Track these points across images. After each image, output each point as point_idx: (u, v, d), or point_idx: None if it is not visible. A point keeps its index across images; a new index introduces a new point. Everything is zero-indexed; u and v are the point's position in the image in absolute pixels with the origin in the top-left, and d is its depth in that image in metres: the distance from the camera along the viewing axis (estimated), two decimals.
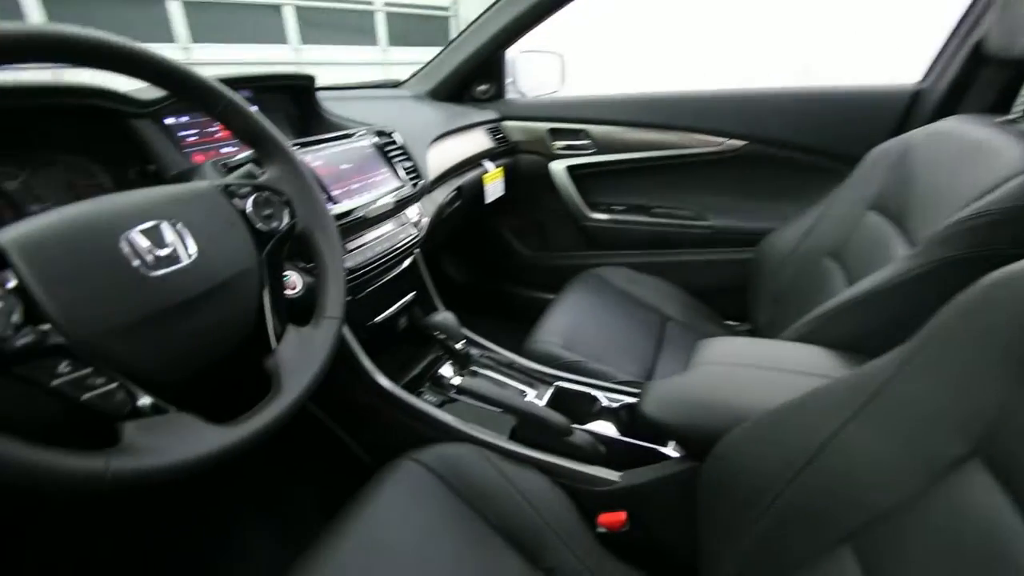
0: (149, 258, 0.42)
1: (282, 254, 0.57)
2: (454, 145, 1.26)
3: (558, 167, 1.48)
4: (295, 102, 1.02)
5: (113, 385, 0.39)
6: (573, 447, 0.77)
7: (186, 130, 0.79)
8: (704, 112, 1.33)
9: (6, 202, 0.58)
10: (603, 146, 1.44)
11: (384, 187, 0.92)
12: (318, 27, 5.53)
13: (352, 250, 0.85)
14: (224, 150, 0.83)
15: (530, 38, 1.38)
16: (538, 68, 1.51)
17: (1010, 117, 0.78)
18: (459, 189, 1.23)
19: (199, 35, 4.68)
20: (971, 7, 1.04)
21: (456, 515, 0.65)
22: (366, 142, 0.96)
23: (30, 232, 0.37)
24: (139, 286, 0.41)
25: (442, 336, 0.96)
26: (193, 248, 0.46)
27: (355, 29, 5.99)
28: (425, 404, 0.84)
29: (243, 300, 0.50)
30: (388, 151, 0.98)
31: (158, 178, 0.68)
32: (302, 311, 0.59)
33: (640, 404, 0.68)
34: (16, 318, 0.34)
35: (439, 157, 1.17)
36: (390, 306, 1.00)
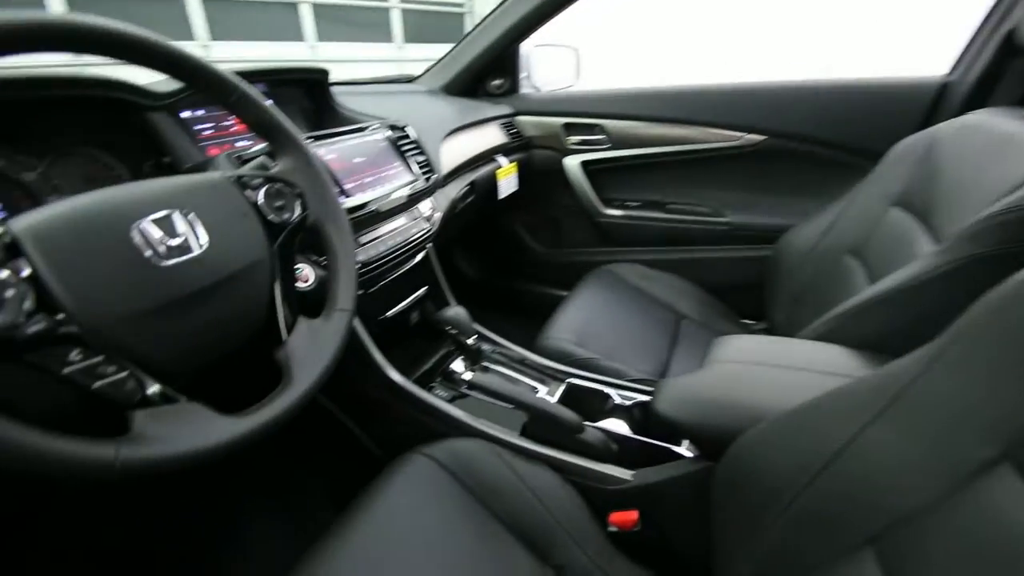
0: (161, 248, 0.43)
1: (294, 246, 0.57)
2: (468, 140, 1.26)
3: (572, 162, 1.46)
4: (309, 96, 1.02)
5: (124, 374, 0.39)
6: (585, 445, 0.76)
7: (202, 123, 0.79)
8: (722, 106, 1.30)
9: (24, 193, 0.59)
10: (618, 141, 1.42)
11: (397, 181, 0.92)
12: (334, 23, 5.57)
13: (365, 244, 0.85)
14: (239, 144, 0.83)
15: (545, 32, 1.37)
16: (553, 62, 1.50)
17: None
18: (472, 184, 1.22)
19: (218, 33, 4.74)
20: None
21: (466, 510, 0.65)
22: (379, 136, 0.95)
23: (43, 220, 0.38)
24: (150, 275, 0.41)
25: (454, 331, 0.95)
26: (204, 238, 0.46)
27: (371, 25, 6.01)
28: (436, 399, 0.84)
29: (254, 291, 0.50)
30: (401, 145, 0.98)
31: (173, 170, 0.69)
32: (314, 304, 0.59)
33: (654, 402, 0.67)
34: (28, 305, 0.34)
35: (452, 152, 1.16)
36: (402, 300, 1.00)
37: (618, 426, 0.82)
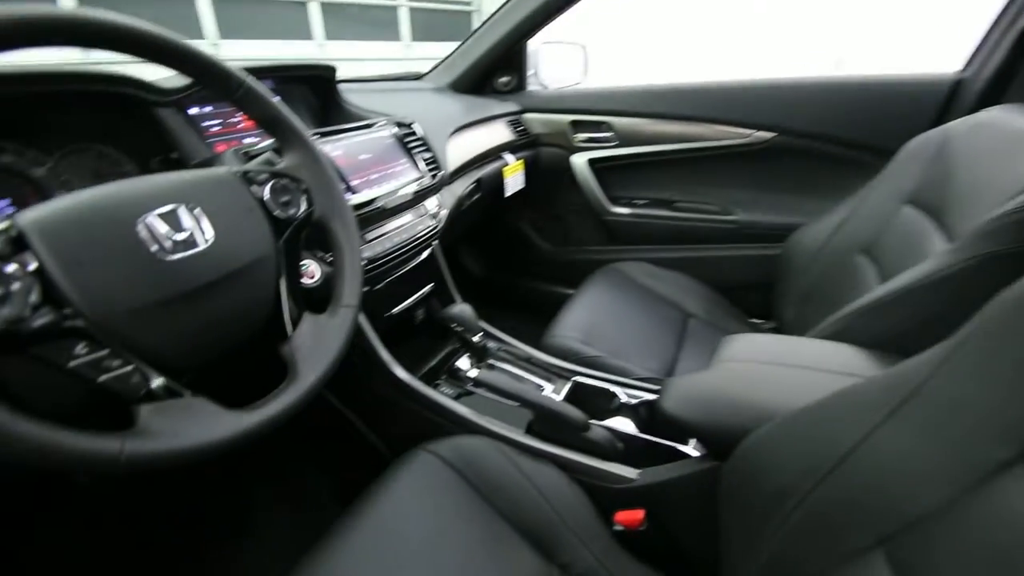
0: (166, 242, 0.43)
1: (299, 242, 0.57)
2: (474, 137, 1.25)
3: (579, 160, 1.46)
4: (316, 93, 1.02)
5: (129, 368, 0.39)
6: (590, 443, 0.76)
7: (209, 120, 0.79)
8: (732, 103, 1.29)
9: (34, 188, 0.59)
10: (626, 139, 1.41)
11: (403, 178, 0.92)
12: (343, 21, 5.58)
13: (370, 240, 0.85)
14: (247, 140, 0.83)
15: (553, 29, 1.36)
16: (560, 59, 1.49)
17: None
18: (479, 181, 1.22)
19: (227, 31, 4.77)
20: None
21: (470, 507, 0.64)
22: (386, 132, 0.95)
23: (49, 214, 0.38)
24: (156, 269, 0.41)
25: (459, 328, 0.95)
26: (210, 233, 0.46)
27: (379, 24, 6.02)
28: (441, 396, 0.84)
29: (260, 287, 0.50)
30: (408, 142, 0.98)
31: (181, 166, 0.69)
32: (320, 300, 0.59)
33: (660, 401, 0.67)
34: (34, 298, 0.35)
35: (459, 149, 1.16)
36: (408, 298, 1.00)
37: (624, 425, 0.81)
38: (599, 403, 0.86)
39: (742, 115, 1.28)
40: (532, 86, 1.55)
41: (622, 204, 1.48)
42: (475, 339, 0.96)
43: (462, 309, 0.96)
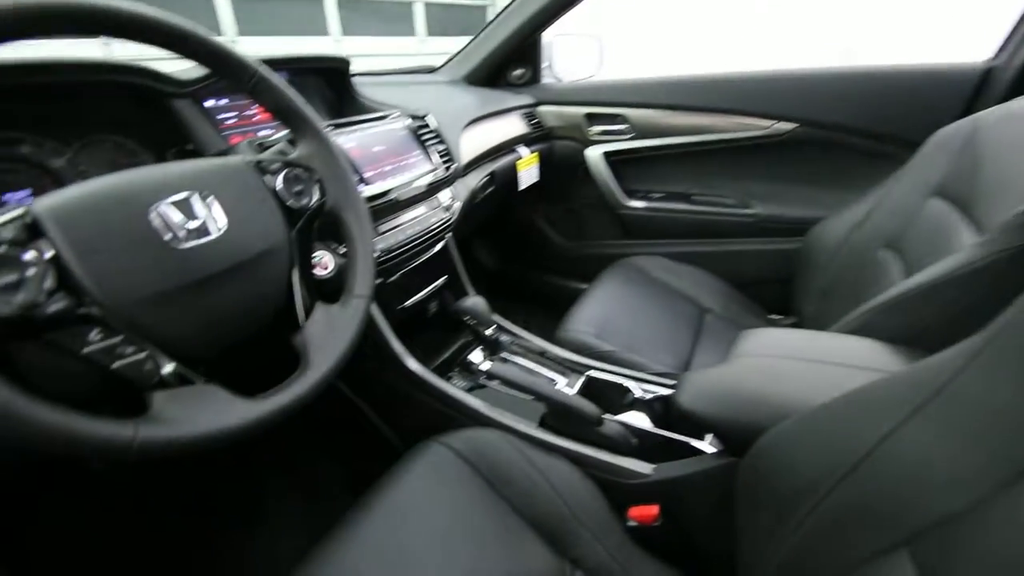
0: (179, 230, 0.43)
1: (312, 232, 0.57)
2: (488, 130, 1.25)
3: (594, 153, 1.44)
4: (331, 86, 1.03)
5: (142, 355, 0.39)
6: (604, 437, 0.75)
7: (225, 112, 0.80)
8: (751, 94, 1.26)
9: (52, 179, 0.60)
10: (641, 131, 1.39)
11: (417, 170, 0.92)
12: (358, 17, 5.60)
13: (384, 232, 0.85)
14: (262, 133, 0.83)
15: (567, 20, 1.35)
16: (575, 51, 1.47)
17: None
18: (492, 174, 1.21)
19: (245, 28, 4.82)
20: None
21: (482, 500, 0.64)
22: (399, 124, 0.95)
23: (63, 201, 0.38)
24: (168, 257, 0.41)
25: (472, 321, 0.95)
26: (223, 222, 0.46)
27: (395, 19, 6.04)
28: (454, 389, 0.84)
29: (272, 276, 0.50)
30: (421, 134, 0.97)
31: (196, 158, 0.69)
32: (333, 291, 0.59)
33: (676, 395, 0.65)
34: (49, 284, 0.35)
35: (473, 142, 1.15)
36: (421, 290, 1.00)
37: (638, 419, 0.80)
38: (613, 397, 0.85)
39: (762, 106, 1.25)
40: (546, 79, 1.53)
41: (637, 197, 1.46)
42: (488, 332, 0.95)
43: (475, 302, 0.95)
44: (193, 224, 0.44)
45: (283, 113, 0.56)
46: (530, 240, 1.69)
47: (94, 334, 0.37)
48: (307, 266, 0.57)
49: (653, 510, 0.68)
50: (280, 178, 0.53)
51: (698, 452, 0.72)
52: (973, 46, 1.09)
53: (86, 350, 0.37)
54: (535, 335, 1.01)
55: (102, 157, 0.65)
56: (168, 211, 0.43)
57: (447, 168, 0.98)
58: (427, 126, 1.00)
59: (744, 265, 1.34)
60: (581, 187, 1.50)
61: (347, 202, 0.58)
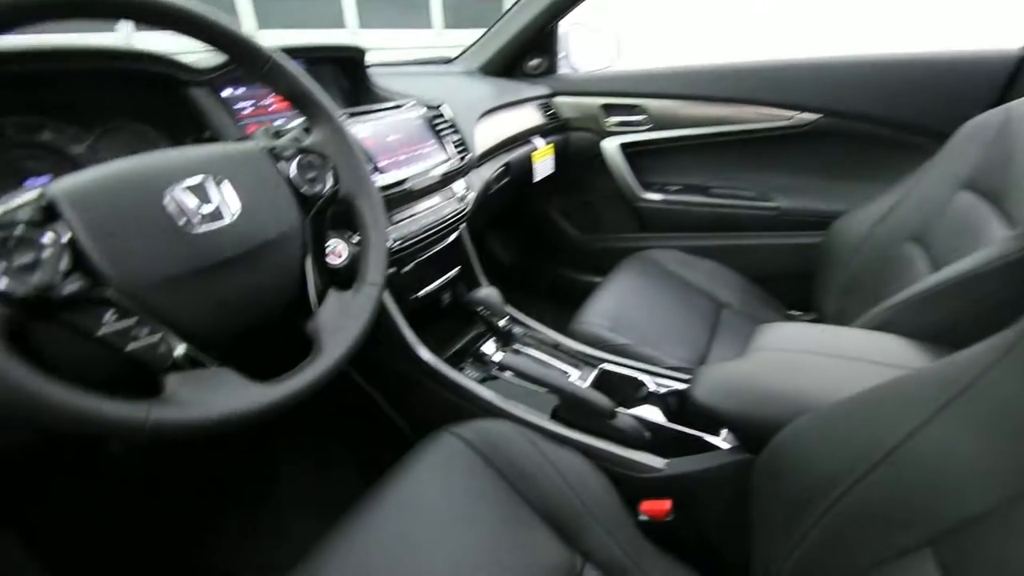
0: (193, 215, 0.43)
1: (325, 219, 0.57)
2: (503, 120, 1.24)
3: (610, 145, 1.42)
4: (347, 76, 1.03)
5: (156, 338, 0.40)
6: (616, 431, 0.74)
7: (242, 102, 0.80)
8: (773, 83, 1.23)
9: (72, 165, 0.61)
10: (659, 122, 1.37)
11: (431, 160, 0.91)
12: (375, 7, 5.62)
13: (398, 222, 0.85)
14: (278, 122, 0.84)
15: (584, 10, 1.33)
16: (592, 41, 1.46)
17: None
18: (507, 165, 1.20)
19: (264, 22, 4.86)
20: None
21: (493, 491, 0.64)
22: (414, 114, 0.95)
23: (78, 184, 0.38)
24: (182, 241, 0.42)
25: (485, 312, 0.94)
26: (237, 207, 0.46)
27: (411, 10, 6.04)
28: (466, 379, 0.83)
29: (285, 262, 0.50)
30: (436, 124, 0.97)
31: None
32: (347, 280, 0.59)
33: (691, 389, 0.64)
34: (64, 266, 0.35)
35: (488, 132, 1.15)
36: (434, 280, 1.00)
37: (652, 414, 0.79)
38: (626, 391, 0.84)
39: (785, 95, 1.22)
40: (563, 69, 1.51)
41: (654, 190, 1.44)
42: (501, 323, 0.95)
43: (488, 293, 0.95)
44: (207, 209, 0.44)
45: (297, 99, 0.56)
46: (544, 233, 1.68)
47: (109, 316, 0.37)
48: (320, 253, 0.57)
49: (665, 505, 0.67)
50: (294, 165, 0.53)
51: (712, 447, 0.71)
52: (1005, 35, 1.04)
53: (100, 332, 0.37)
54: (548, 328, 1.01)
55: (121, 145, 0.66)
56: (182, 195, 0.43)
57: (462, 158, 0.97)
58: (442, 116, 0.99)
59: (763, 260, 1.31)
60: (597, 179, 1.48)
61: (360, 189, 0.58)
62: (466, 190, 1.01)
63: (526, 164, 1.31)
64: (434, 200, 0.93)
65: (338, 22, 5.53)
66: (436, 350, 0.87)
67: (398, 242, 0.83)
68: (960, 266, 0.62)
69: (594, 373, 0.89)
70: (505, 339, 0.97)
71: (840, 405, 0.47)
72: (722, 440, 0.72)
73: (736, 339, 1.00)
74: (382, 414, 0.95)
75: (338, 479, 1.04)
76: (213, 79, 0.72)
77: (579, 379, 0.89)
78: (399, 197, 0.83)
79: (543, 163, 1.36)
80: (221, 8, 0.48)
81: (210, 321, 0.44)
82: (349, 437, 1.08)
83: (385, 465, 0.65)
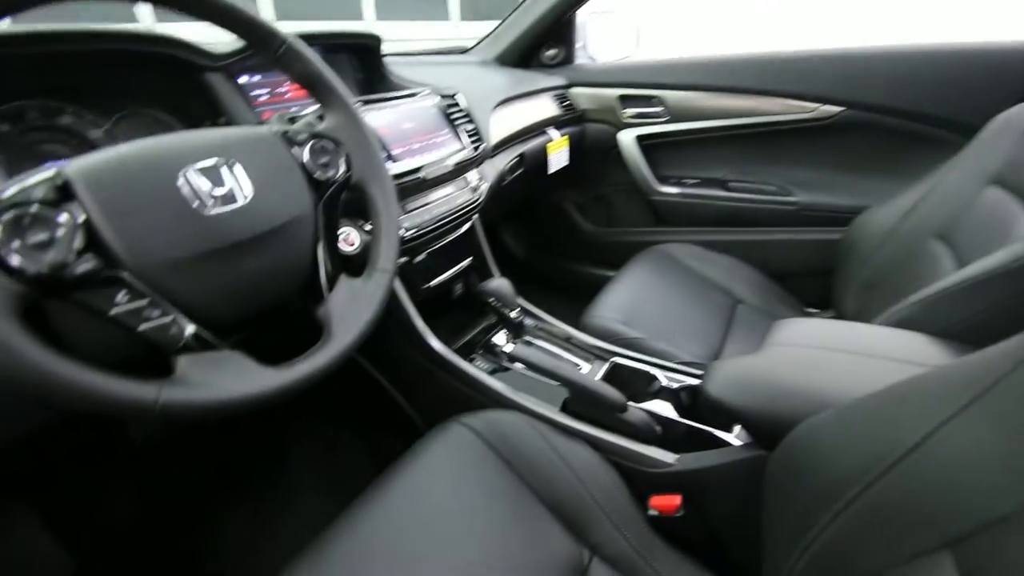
0: (206, 197, 0.43)
1: (338, 204, 0.56)
2: (518, 111, 1.23)
3: (627, 136, 1.40)
4: (362, 65, 1.02)
5: (168, 319, 0.40)
6: (627, 424, 0.73)
7: (258, 89, 0.80)
8: (795, 75, 1.20)
9: (91, 149, 0.61)
10: (677, 114, 1.35)
11: (445, 149, 0.91)
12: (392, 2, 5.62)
13: (410, 211, 0.85)
14: (293, 110, 0.84)
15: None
16: (610, 31, 1.43)
17: None
18: (521, 156, 1.19)
19: (282, 13, 4.90)
20: None
21: (502, 482, 0.64)
22: (429, 103, 0.94)
23: (93, 164, 0.38)
24: (195, 223, 0.42)
25: (496, 303, 0.94)
26: (249, 190, 0.46)
27: (428, 1, 6.03)
28: (476, 370, 0.83)
29: (296, 246, 0.50)
30: (451, 113, 0.96)
31: None
32: (359, 267, 0.59)
33: (704, 384, 0.63)
34: (78, 244, 0.35)
35: (502, 122, 1.14)
36: (446, 271, 1.00)
37: (664, 408, 0.78)
38: (638, 385, 0.84)
39: (807, 87, 1.19)
40: (580, 59, 1.50)
41: (671, 183, 1.41)
42: (512, 314, 0.94)
43: (500, 283, 0.94)
44: (220, 191, 0.44)
45: (311, 84, 0.56)
46: (558, 226, 1.67)
47: (121, 296, 0.37)
48: (332, 239, 0.57)
49: (675, 500, 0.66)
50: (307, 149, 0.53)
51: (724, 443, 0.70)
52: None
53: (113, 312, 0.37)
54: (560, 321, 1.00)
55: (138, 130, 0.66)
56: (196, 177, 0.43)
57: (476, 148, 0.97)
58: (457, 105, 0.98)
59: (782, 255, 1.28)
60: (612, 172, 1.47)
61: (373, 175, 0.58)
62: (479, 180, 1.00)
63: (540, 155, 1.30)
64: (447, 190, 0.93)
65: (356, 14, 5.55)
66: (447, 340, 0.87)
67: (411, 231, 0.83)
68: (986, 263, 0.60)
69: (605, 366, 0.88)
70: (516, 330, 0.97)
71: (858, 402, 0.45)
72: (734, 437, 0.70)
73: (751, 335, 0.98)
74: (392, 402, 0.95)
75: (347, 464, 1.05)
76: (229, 64, 0.72)
77: (590, 372, 0.88)
78: (412, 186, 0.83)
79: (558, 155, 1.35)
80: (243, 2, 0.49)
81: (221, 303, 0.44)
82: (359, 423, 1.09)
83: (394, 452, 0.65)
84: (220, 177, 0.44)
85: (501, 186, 1.11)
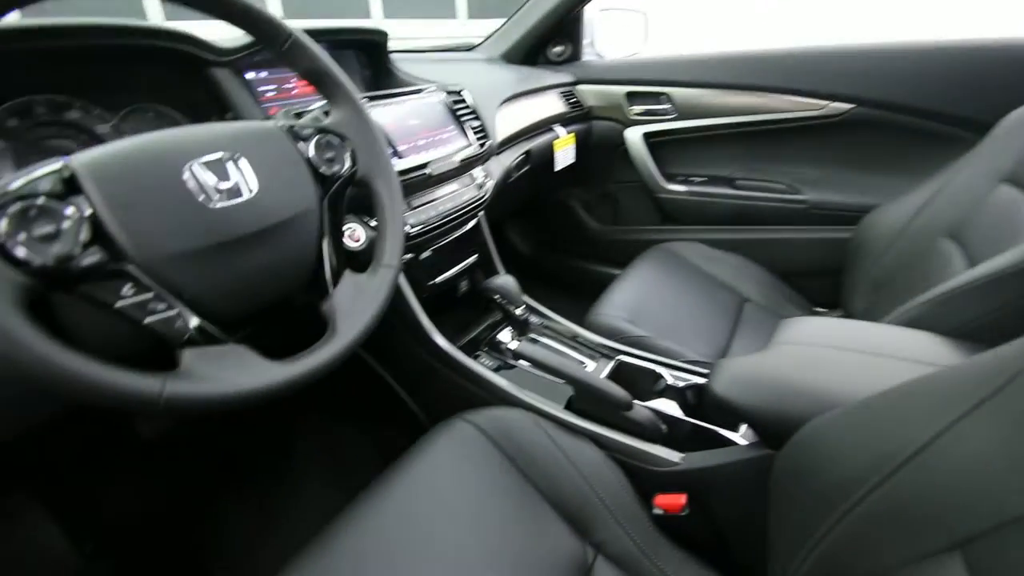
0: (211, 191, 0.43)
1: (343, 199, 0.56)
2: (525, 108, 1.22)
3: (634, 134, 1.39)
4: (369, 62, 1.02)
5: (173, 312, 0.40)
6: (632, 423, 0.73)
7: (265, 85, 0.81)
8: (804, 72, 1.19)
9: (98, 144, 0.62)
10: (685, 111, 1.34)
11: (451, 145, 0.91)
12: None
13: (416, 207, 0.85)
14: (300, 105, 0.84)
15: None
16: (618, 27, 1.43)
17: None
18: (528, 153, 1.19)
19: (290, 12, 4.92)
20: None
21: (506, 478, 0.63)
22: (435, 99, 0.94)
23: (99, 157, 0.39)
24: (200, 217, 0.42)
25: (502, 300, 0.94)
26: (254, 184, 0.46)
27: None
28: (480, 367, 0.83)
29: (301, 241, 0.50)
30: (457, 110, 0.96)
31: None
32: (364, 264, 0.59)
33: (710, 382, 0.63)
34: (84, 237, 0.35)
35: (509, 119, 1.13)
36: (452, 267, 1.00)
37: (669, 407, 0.78)
38: (644, 384, 0.83)
39: (817, 84, 1.17)
40: (587, 56, 1.49)
41: (678, 181, 1.41)
42: (517, 312, 0.94)
43: (505, 280, 0.94)
44: (225, 185, 0.44)
45: (317, 78, 0.56)
46: (564, 223, 1.67)
47: (127, 289, 0.38)
48: (337, 234, 0.57)
49: (680, 499, 0.66)
50: (312, 144, 0.53)
51: (729, 442, 0.69)
52: None
53: (118, 304, 0.37)
54: (566, 319, 1.00)
55: (146, 125, 0.66)
56: (201, 171, 0.43)
57: (482, 145, 0.96)
58: (463, 101, 0.98)
59: (789, 254, 1.27)
60: (619, 170, 1.46)
61: (378, 171, 0.58)
62: (485, 177, 1.00)
63: (547, 153, 1.29)
64: (453, 186, 0.93)
65: (364, 12, 5.56)
66: (452, 337, 0.87)
67: (416, 227, 0.83)
68: (998, 262, 0.59)
69: (611, 364, 0.88)
70: (521, 328, 0.96)
71: (867, 401, 0.45)
72: (740, 436, 0.70)
73: (758, 334, 0.98)
74: (396, 398, 0.95)
75: (352, 459, 1.05)
76: (236, 60, 0.72)
77: (596, 370, 0.87)
78: (418, 182, 0.83)
79: (564, 152, 1.35)
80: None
81: (226, 297, 0.44)
82: (363, 419, 1.09)
83: (398, 448, 0.65)
84: (225, 171, 0.44)
85: (507, 183, 1.11)
